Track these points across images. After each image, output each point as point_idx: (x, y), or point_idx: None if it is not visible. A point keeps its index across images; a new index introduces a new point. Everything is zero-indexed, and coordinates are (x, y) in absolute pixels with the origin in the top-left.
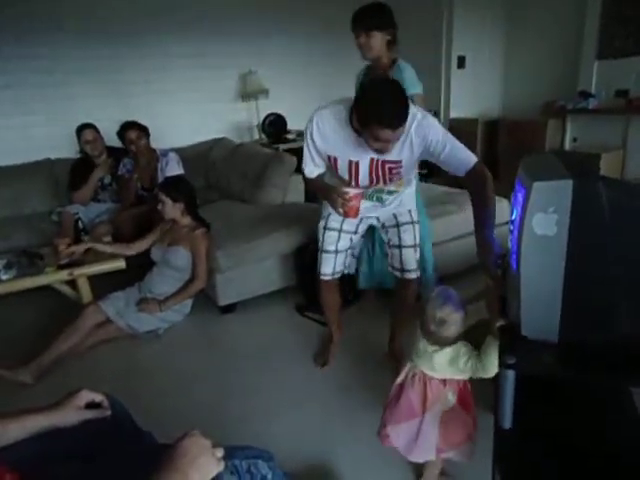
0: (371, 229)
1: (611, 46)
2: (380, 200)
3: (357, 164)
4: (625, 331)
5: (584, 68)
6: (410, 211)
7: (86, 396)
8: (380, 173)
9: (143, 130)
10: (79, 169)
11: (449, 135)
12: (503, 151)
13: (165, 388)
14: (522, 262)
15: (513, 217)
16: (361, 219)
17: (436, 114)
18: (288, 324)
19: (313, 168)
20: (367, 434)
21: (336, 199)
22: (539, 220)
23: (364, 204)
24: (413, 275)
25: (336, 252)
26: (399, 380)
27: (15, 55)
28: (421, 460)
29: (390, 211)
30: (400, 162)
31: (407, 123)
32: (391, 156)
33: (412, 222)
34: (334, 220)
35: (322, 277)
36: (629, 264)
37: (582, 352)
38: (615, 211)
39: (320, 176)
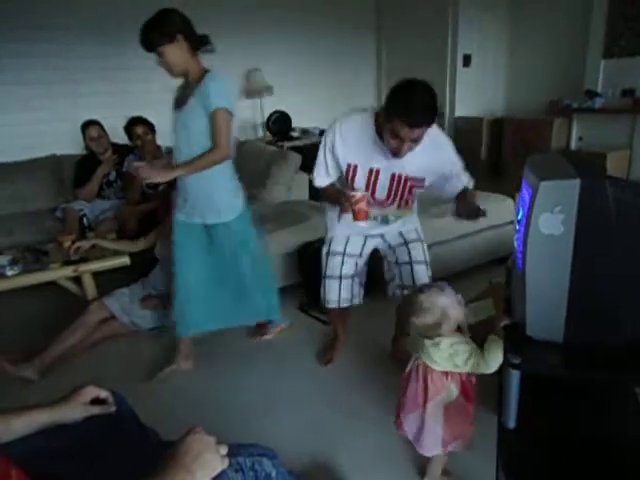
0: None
1: (617, 45)
2: (385, 222)
3: (377, 173)
4: (631, 331)
5: (590, 67)
6: (416, 229)
7: (92, 392)
8: (400, 189)
9: (150, 126)
10: (84, 166)
11: (454, 154)
12: (508, 150)
13: (168, 385)
14: (528, 262)
15: (519, 217)
16: (365, 238)
17: (441, 113)
18: (291, 322)
19: (323, 176)
20: (371, 432)
21: (344, 203)
22: (545, 220)
23: (369, 224)
24: None
25: (340, 278)
26: (407, 370)
27: (21, 52)
28: (430, 454)
29: (395, 229)
30: (423, 180)
31: (428, 133)
32: (412, 172)
33: (419, 240)
34: (338, 244)
35: (328, 304)
36: (635, 264)
37: (587, 353)
38: (621, 211)
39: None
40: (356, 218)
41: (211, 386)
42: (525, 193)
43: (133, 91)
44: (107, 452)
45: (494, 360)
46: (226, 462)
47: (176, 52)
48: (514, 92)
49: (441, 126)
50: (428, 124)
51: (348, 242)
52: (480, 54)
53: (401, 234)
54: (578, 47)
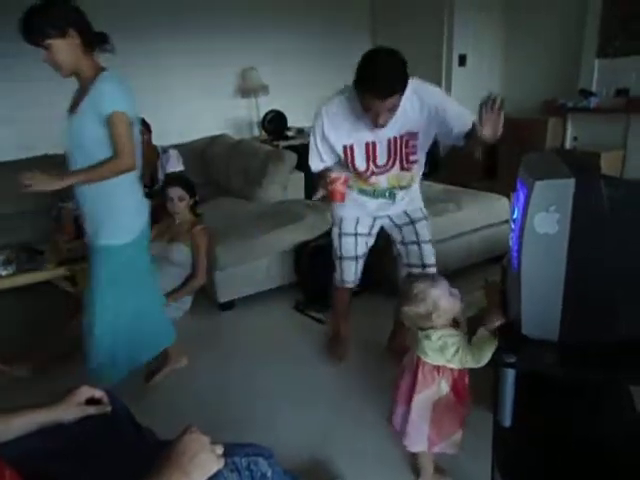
0: None
1: (612, 45)
2: (392, 197)
3: (374, 144)
4: (625, 330)
5: (585, 67)
6: (421, 208)
7: (86, 392)
8: (398, 148)
9: (146, 126)
10: None
11: (447, 97)
12: (503, 149)
13: (164, 385)
14: (523, 261)
15: (514, 216)
16: (374, 219)
17: None
18: (287, 321)
19: (318, 162)
20: (367, 432)
21: (319, 183)
22: (540, 219)
23: (376, 202)
24: (434, 270)
25: (356, 258)
26: (403, 363)
27: (17, 49)
28: (414, 449)
29: (401, 208)
30: (417, 134)
31: (409, 91)
32: (405, 128)
33: (425, 218)
34: (349, 225)
35: (345, 285)
36: (630, 262)
37: (582, 351)
38: (616, 210)
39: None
40: (331, 199)
41: (207, 386)
42: (520, 192)
43: (132, 89)
44: (102, 452)
45: (482, 356)
46: (222, 462)
47: (67, 48)
48: (509, 91)
49: None
50: (399, 91)
51: (358, 223)
52: (475, 54)
53: (406, 213)
54: (573, 47)
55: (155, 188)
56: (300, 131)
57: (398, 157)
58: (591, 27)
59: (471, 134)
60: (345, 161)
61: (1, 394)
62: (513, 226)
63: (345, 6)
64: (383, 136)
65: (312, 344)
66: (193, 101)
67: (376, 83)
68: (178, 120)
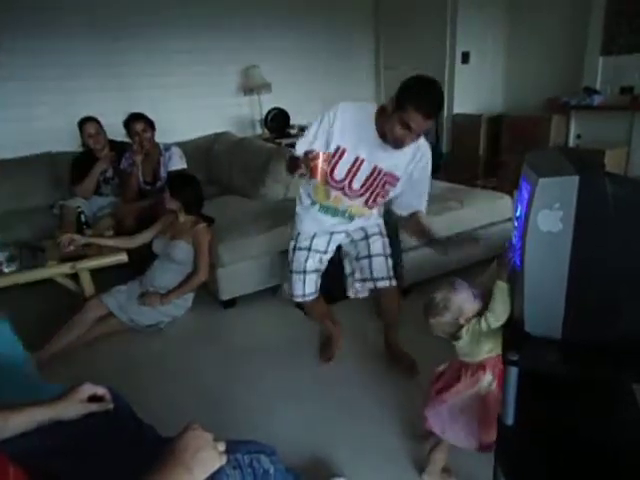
0: None
1: (616, 42)
2: (351, 219)
3: (361, 163)
4: (629, 328)
5: (588, 64)
6: (378, 224)
7: (89, 389)
8: (376, 183)
9: (149, 123)
10: (81, 163)
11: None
12: (506, 147)
13: (166, 382)
14: (526, 259)
15: (517, 214)
16: (331, 235)
17: None
18: (289, 319)
19: (306, 147)
20: (368, 429)
21: (302, 161)
22: (544, 217)
23: (334, 219)
24: (385, 283)
25: (304, 272)
26: (440, 369)
27: (19, 48)
28: (458, 444)
29: (358, 225)
30: (399, 180)
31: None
32: (393, 168)
33: (380, 234)
34: (304, 240)
35: (296, 299)
36: (634, 260)
37: (585, 349)
38: (620, 207)
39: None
40: (311, 175)
41: (209, 383)
42: (523, 190)
43: (131, 87)
44: (104, 449)
45: (499, 308)
46: (224, 459)
47: None
48: (512, 89)
49: (439, 123)
50: (437, 116)
51: (314, 238)
52: (479, 51)
53: (363, 229)
54: (576, 44)
55: (157, 186)
56: (303, 129)
57: (369, 191)
58: (595, 24)
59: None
60: (328, 165)
61: None
62: (516, 224)
63: (348, 4)
64: (373, 160)
65: (314, 342)
66: (196, 99)
67: (428, 101)
68: (181, 118)
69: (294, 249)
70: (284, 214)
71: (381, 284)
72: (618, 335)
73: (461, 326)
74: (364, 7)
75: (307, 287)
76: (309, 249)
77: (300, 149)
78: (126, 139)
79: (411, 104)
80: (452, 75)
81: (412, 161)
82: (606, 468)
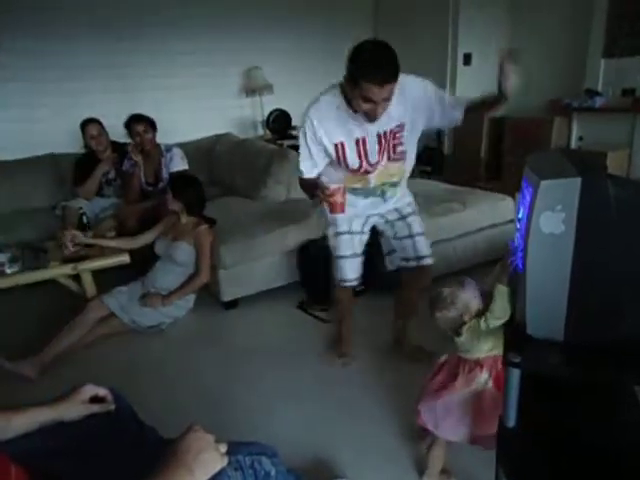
0: None
1: (618, 44)
2: (383, 194)
3: (364, 140)
4: (631, 330)
5: (590, 66)
6: (409, 203)
7: (90, 390)
8: (387, 142)
9: (151, 124)
10: (84, 164)
11: (430, 84)
12: (508, 149)
13: (168, 383)
14: (528, 261)
15: (520, 215)
16: (366, 217)
17: None
18: (290, 320)
19: (311, 167)
20: (369, 430)
21: (319, 195)
22: (546, 218)
23: (367, 201)
24: (430, 260)
25: (355, 255)
26: (441, 360)
27: (21, 49)
28: (450, 438)
29: (391, 206)
30: (403, 125)
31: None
32: (392, 121)
33: (415, 213)
34: (343, 224)
35: (347, 284)
36: (636, 262)
37: (588, 351)
38: (623, 209)
39: (318, 175)
40: (332, 211)
41: (210, 384)
42: (525, 192)
43: (134, 89)
44: (106, 450)
45: (499, 307)
46: (225, 460)
47: None
48: (514, 91)
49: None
50: (395, 78)
51: (352, 221)
52: (480, 53)
53: (397, 210)
54: (578, 46)
55: (159, 187)
56: None
57: (386, 149)
58: (597, 27)
59: (483, 103)
60: (337, 160)
61: (5, 392)
62: (518, 226)
63: (349, 5)
64: (372, 131)
65: (315, 343)
66: (198, 100)
67: (376, 70)
68: (183, 119)
69: (335, 235)
70: (286, 215)
71: (425, 262)
72: (620, 337)
73: (464, 323)
74: (364, 7)
75: (358, 269)
76: (350, 232)
77: (307, 170)
78: (128, 140)
79: (363, 78)
80: (454, 77)
81: (405, 103)
82: (608, 470)
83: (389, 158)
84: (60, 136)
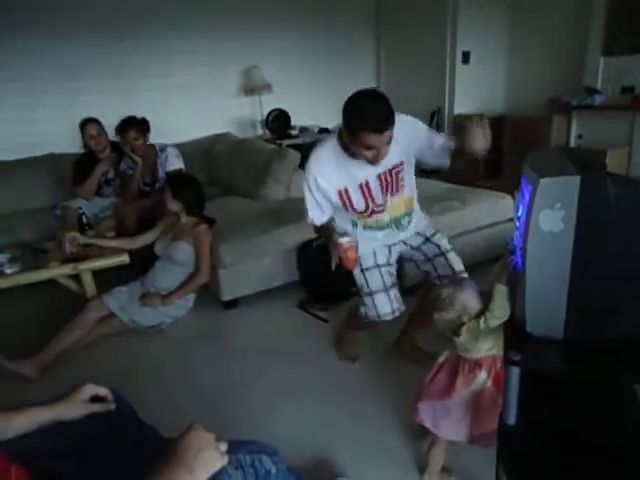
0: None
1: (617, 42)
2: (398, 224)
3: (367, 184)
4: (631, 328)
5: (589, 64)
6: (428, 225)
7: (91, 390)
8: (390, 181)
9: (141, 130)
10: (83, 164)
11: (420, 123)
12: (507, 147)
13: (168, 383)
14: (528, 259)
15: (519, 214)
16: (389, 248)
17: (440, 110)
18: (290, 319)
19: (320, 214)
20: (371, 429)
21: (332, 252)
22: (545, 217)
23: (384, 232)
24: (465, 274)
25: (386, 289)
26: (440, 360)
27: (20, 49)
28: (450, 437)
29: (411, 232)
30: (402, 163)
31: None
32: (391, 160)
33: (438, 231)
34: (367, 259)
35: (384, 318)
36: (635, 260)
37: (587, 349)
38: (622, 207)
39: (329, 220)
40: (346, 266)
41: (210, 383)
42: (525, 190)
43: (133, 89)
44: (106, 449)
45: (498, 306)
46: (226, 459)
47: None
48: (513, 89)
49: (439, 123)
50: (393, 125)
51: (376, 255)
52: (479, 51)
53: (419, 234)
54: (577, 44)
55: (156, 187)
56: (304, 130)
57: (391, 188)
58: (596, 24)
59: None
60: (344, 206)
61: (5, 392)
62: (518, 224)
63: (349, 4)
64: (373, 174)
65: (315, 342)
66: (197, 100)
67: (374, 119)
68: (182, 119)
69: (362, 271)
70: (286, 215)
71: (462, 276)
72: (620, 335)
73: (463, 324)
74: (364, 7)
75: (394, 302)
76: (378, 266)
77: (316, 218)
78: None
79: (360, 129)
80: (453, 75)
81: (400, 141)
82: (608, 468)
83: (397, 190)
84: (59, 136)
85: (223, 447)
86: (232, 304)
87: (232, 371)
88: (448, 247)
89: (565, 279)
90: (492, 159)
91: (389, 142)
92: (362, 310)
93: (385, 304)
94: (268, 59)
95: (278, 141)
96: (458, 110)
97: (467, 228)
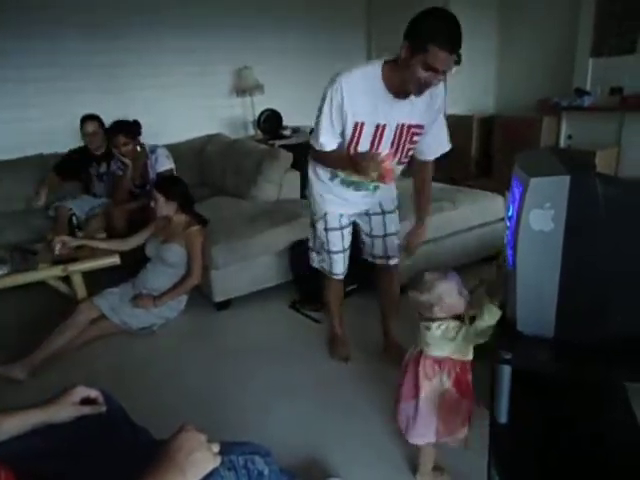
0: None
1: (606, 44)
2: (375, 190)
3: (383, 129)
4: (620, 326)
5: (579, 65)
6: (393, 199)
7: (81, 392)
8: (404, 139)
9: (131, 135)
10: (74, 157)
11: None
12: (498, 148)
13: (160, 384)
14: (518, 258)
15: (509, 213)
16: (352, 212)
17: None
18: (283, 320)
19: (332, 139)
20: (364, 429)
21: (368, 164)
22: (535, 216)
23: (358, 194)
24: (396, 260)
25: (344, 250)
26: (405, 360)
27: (13, 48)
28: (420, 442)
29: (377, 199)
30: (423, 127)
31: None
32: (416, 119)
33: (394, 211)
34: (333, 220)
35: (335, 277)
36: (625, 260)
37: (577, 347)
38: (611, 207)
39: (338, 148)
40: (382, 179)
41: (202, 385)
42: (515, 190)
43: (123, 89)
44: (97, 452)
45: (486, 326)
46: (218, 460)
47: None
48: (504, 90)
49: None
50: (460, 48)
51: (342, 217)
52: (470, 52)
53: (380, 204)
54: (567, 45)
55: (147, 188)
56: (295, 130)
57: (400, 149)
58: (585, 26)
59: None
60: (349, 141)
61: None
62: (508, 223)
63: (341, 5)
64: (394, 120)
65: (308, 343)
66: (188, 100)
67: (452, 36)
68: (173, 119)
69: (326, 230)
70: (277, 215)
71: (392, 261)
72: (610, 333)
73: (431, 318)
74: (357, 8)
75: (346, 263)
76: (341, 228)
77: (328, 142)
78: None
79: (433, 43)
80: (444, 76)
81: (430, 104)
82: (598, 466)
83: (399, 161)
84: (52, 136)
85: (215, 448)
86: (224, 305)
87: (224, 372)
88: (392, 231)
89: (555, 278)
90: (483, 159)
91: (445, 73)
92: (314, 260)
93: (339, 264)
94: (260, 59)
95: (270, 141)
96: (449, 111)
97: (458, 228)
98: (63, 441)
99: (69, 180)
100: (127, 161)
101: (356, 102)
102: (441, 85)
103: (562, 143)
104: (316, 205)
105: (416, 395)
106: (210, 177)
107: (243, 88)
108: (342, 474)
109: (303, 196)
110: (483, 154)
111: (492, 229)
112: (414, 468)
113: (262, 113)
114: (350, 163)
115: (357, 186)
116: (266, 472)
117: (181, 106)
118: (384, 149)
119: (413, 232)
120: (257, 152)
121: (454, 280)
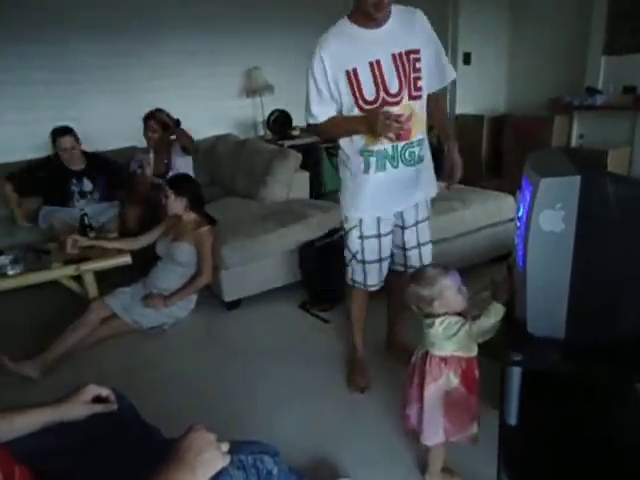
0: None
1: (618, 42)
2: (412, 157)
3: (379, 65)
4: (631, 327)
5: (591, 64)
6: (427, 201)
7: (93, 390)
8: (406, 68)
9: (159, 125)
10: (41, 174)
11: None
12: (509, 148)
13: (170, 383)
14: (529, 259)
15: (520, 214)
16: (393, 216)
17: None
18: (292, 320)
19: (326, 108)
20: (373, 429)
21: (384, 122)
22: (546, 217)
23: (396, 176)
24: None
25: (380, 260)
26: (411, 362)
27: (19, 51)
28: (431, 443)
29: (420, 196)
30: (419, 51)
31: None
32: (407, 44)
33: (429, 218)
34: (370, 226)
35: (370, 288)
36: (636, 260)
37: (588, 349)
38: (622, 207)
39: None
40: (400, 138)
41: (213, 384)
42: (525, 190)
43: (132, 90)
44: (109, 450)
45: (490, 324)
46: (227, 459)
47: None
48: (515, 89)
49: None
50: None
51: (380, 222)
52: (480, 52)
53: (416, 207)
54: (578, 44)
55: (169, 176)
56: (305, 130)
57: (406, 80)
58: (597, 24)
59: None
60: (353, 96)
61: (8, 393)
62: (519, 224)
63: (350, 5)
64: (386, 51)
65: (317, 343)
66: (198, 101)
67: None
68: (183, 120)
69: (360, 238)
70: (287, 215)
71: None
72: (621, 335)
73: (431, 314)
74: None
75: (383, 273)
76: (379, 236)
77: (321, 113)
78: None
79: None
80: None
81: (410, 27)
82: (609, 467)
83: (410, 95)
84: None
85: (225, 447)
86: (234, 305)
87: (234, 372)
88: (426, 240)
89: (566, 279)
90: (493, 159)
91: None
92: (348, 275)
93: (373, 275)
94: (269, 60)
95: (279, 142)
96: (460, 110)
97: (468, 228)
98: (75, 439)
99: (29, 197)
100: (149, 157)
101: (338, 55)
102: (419, 12)
103: (574, 143)
104: (349, 212)
105: (421, 398)
106: (220, 177)
107: (253, 89)
108: (351, 474)
109: (312, 196)
110: (494, 154)
111: (502, 229)
112: (424, 469)
113: (272, 113)
114: (361, 122)
115: (393, 160)
116: (275, 472)
117: (191, 107)
118: (392, 85)
119: (446, 172)
120: (267, 152)
121: (455, 277)
